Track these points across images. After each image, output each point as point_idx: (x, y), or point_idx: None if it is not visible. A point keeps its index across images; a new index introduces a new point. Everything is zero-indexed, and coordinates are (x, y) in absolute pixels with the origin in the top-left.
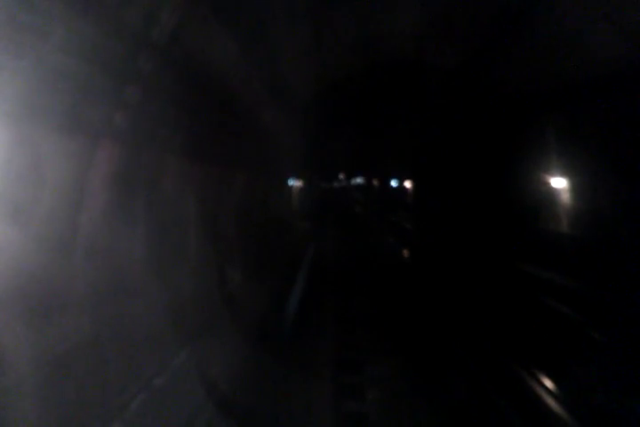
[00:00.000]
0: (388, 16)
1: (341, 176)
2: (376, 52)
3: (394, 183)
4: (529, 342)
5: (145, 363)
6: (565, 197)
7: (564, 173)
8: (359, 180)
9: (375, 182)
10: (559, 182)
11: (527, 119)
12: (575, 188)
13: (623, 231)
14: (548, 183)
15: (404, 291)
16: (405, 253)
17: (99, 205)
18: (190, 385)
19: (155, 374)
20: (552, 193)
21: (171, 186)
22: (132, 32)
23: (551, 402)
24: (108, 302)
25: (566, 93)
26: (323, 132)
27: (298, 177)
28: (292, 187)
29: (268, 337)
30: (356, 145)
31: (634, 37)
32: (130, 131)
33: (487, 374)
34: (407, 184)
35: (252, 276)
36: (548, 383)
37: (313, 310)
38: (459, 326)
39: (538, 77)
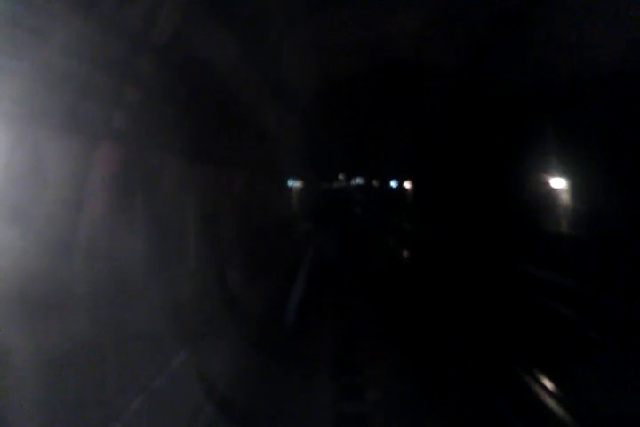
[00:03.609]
0: (388, 17)
1: (341, 177)
2: (376, 53)
3: (393, 184)
4: (528, 342)
5: (144, 363)
6: (565, 198)
7: (563, 174)
8: (359, 180)
9: (375, 183)
10: (559, 182)
11: (527, 119)
12: (574, 188)
13: (623, 231)
14: (548, 183)
15: (404, 292)
16: (405, 253)
17: (99, 206)
18: (190, 386)
19: (154, 375)
20: (551, 193)
21: (170, 186)
22: (132, 32)
23: (550, 402)
24: (108, 302)
25: (566, 93)
26: (323, 133)
27: (298, 177)
28: (291, 187)
29: (268, 338)
30: (356, 145)
31: (633, 37)
32: (130, 131)
33: (486, 373)
34: (407, 185)
35: (253, 276)
36: (548, 383)
37: (313, 311)
38: (458, 326)
39: (537, 77)
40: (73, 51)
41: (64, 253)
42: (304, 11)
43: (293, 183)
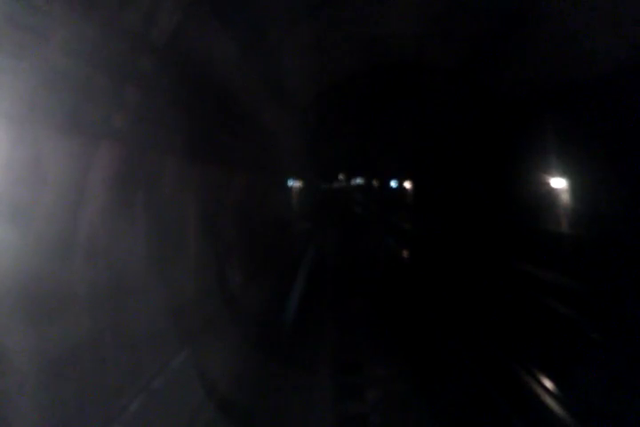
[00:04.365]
0: (388, 16)
1: (341, 176)
2: (376, 53)
3: (393, 184)
4: (528, 342)
5: (145, 363)
6: (565, 197)
7: (563, 173)
8: (359, 180)
9: (375, 183)
10: (559, 182)
11: (527, 119)
12: (574, 188)
13: (623, 231)
14: (548, 183)
15: (404, 292)
16: (405, 253)
17: (99, 206)
18: (190, 386)
19: (155, 375)
20: (551, 193)
21: (170, 186)
22: (132, 32)
23: (550, 401)
24: (108, 302)
25: (566, 93)
26: (323, 133)
27: (298, 177)
28: (291, 187)
29: (268, 337)
30: (356, 145)
31: (633, 37)
32: (129, 131)
33: (486, 374)
34: (407, 185)
35: (253, 276)
36: (547, 383)
37: (313, 311)
38: (458, 326)
39: (537, 77)
40: (73, 50)
41: (64, 253)
42: (304, 10)
43: (293, 183)
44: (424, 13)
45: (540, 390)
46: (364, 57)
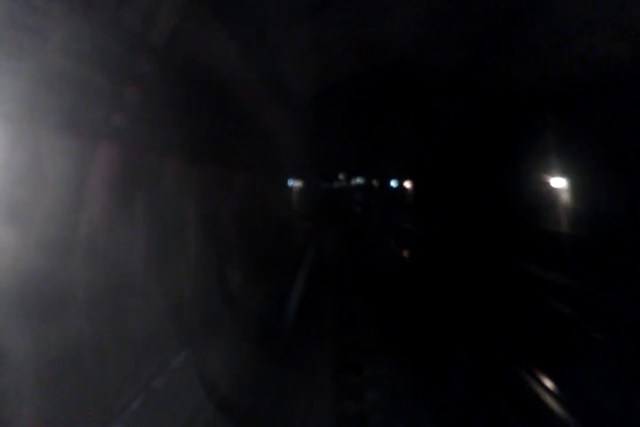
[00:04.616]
0: (388, 17)
1: (341, 176)
2: (376, 53)
3: (393, 183)
4: (529, 342)
5: (145, 363)
6: (565, 197)
7: (563, 173)
8: (359, 180)
9: (375, 183)
10: (559, 182)
11: (527, 119)
12: (575, 187)
13: (624, 230)
14: (548, 183)
15: (404, 292)
16: (405, 253)
17: (98, 206)
18: (190, 385)
19: (155, 375)
20: (552, 193)
21: (170, 187)
22: (132, 33)
23: (550, 401)
24: (108, 302)
25: (566, 93)
26: (323, 132)
27: (298, 177)
28: (291, 187)
29: (267, 337)
30: (356, 145)
31: (633, 37)
32: (129, 132)
33: (487, 374)
34: (407, 184)
35: (253, 277)
36: (548, 383)
37: (312, 311)
38: (458, 325)
39: (538, 77)
40: (72, 50)
41: (64, 253)
42: (304, 10)
43: (293, 183)
44: (424, 13)
45: (540, 390)
46: (363, 57)
